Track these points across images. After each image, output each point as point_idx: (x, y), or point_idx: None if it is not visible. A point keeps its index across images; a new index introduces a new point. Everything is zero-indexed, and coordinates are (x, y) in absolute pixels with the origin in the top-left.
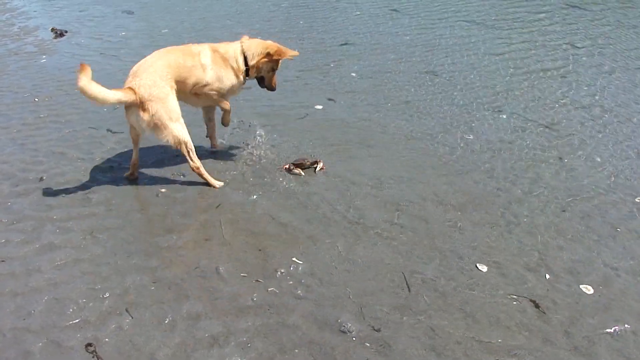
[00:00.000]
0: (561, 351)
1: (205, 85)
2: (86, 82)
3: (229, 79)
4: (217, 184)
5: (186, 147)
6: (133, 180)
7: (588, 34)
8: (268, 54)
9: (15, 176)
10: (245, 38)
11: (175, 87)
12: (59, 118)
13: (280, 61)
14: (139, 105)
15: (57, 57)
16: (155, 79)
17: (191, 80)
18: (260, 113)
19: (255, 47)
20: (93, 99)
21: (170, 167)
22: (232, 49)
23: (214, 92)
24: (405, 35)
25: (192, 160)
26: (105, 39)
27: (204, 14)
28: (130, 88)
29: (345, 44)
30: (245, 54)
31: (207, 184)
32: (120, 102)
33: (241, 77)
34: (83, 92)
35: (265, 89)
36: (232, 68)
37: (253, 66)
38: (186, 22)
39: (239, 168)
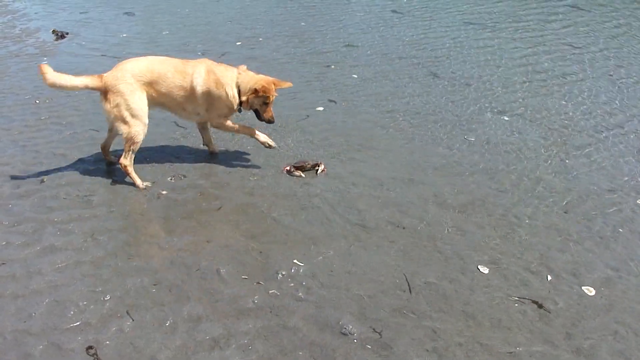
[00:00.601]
0: (563, 352)
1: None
2: (53, 76)
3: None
4: (143, 184)
5: (132, 145)
6: (110, 164)
7: (591, 36)
8: (255, 90)
9: (16, 178)
10: (242, 68)
11: (150, 90)
12: (60, 120)
13: (272, 96)
14: (104, 94)
15: (58, 58)
16: (126, 75)
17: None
18: None
19: (247, 82)
20: (63, 88)
21: (172, 168)
22: (229, 77)
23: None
24: (407, 37)
25: (125, 157)
26: (106, 40)
27: (204, 15)
28: (99, 76)
29: (347, 45)
30: (240, 88)
31: (134, 184)
32: (87, 87)
33: (235, 105)
34: (53, 86)
35: (263, 122)
36: (227, 94)
37: (245, 101)
38: (187, 24)
39: (239, 171)
